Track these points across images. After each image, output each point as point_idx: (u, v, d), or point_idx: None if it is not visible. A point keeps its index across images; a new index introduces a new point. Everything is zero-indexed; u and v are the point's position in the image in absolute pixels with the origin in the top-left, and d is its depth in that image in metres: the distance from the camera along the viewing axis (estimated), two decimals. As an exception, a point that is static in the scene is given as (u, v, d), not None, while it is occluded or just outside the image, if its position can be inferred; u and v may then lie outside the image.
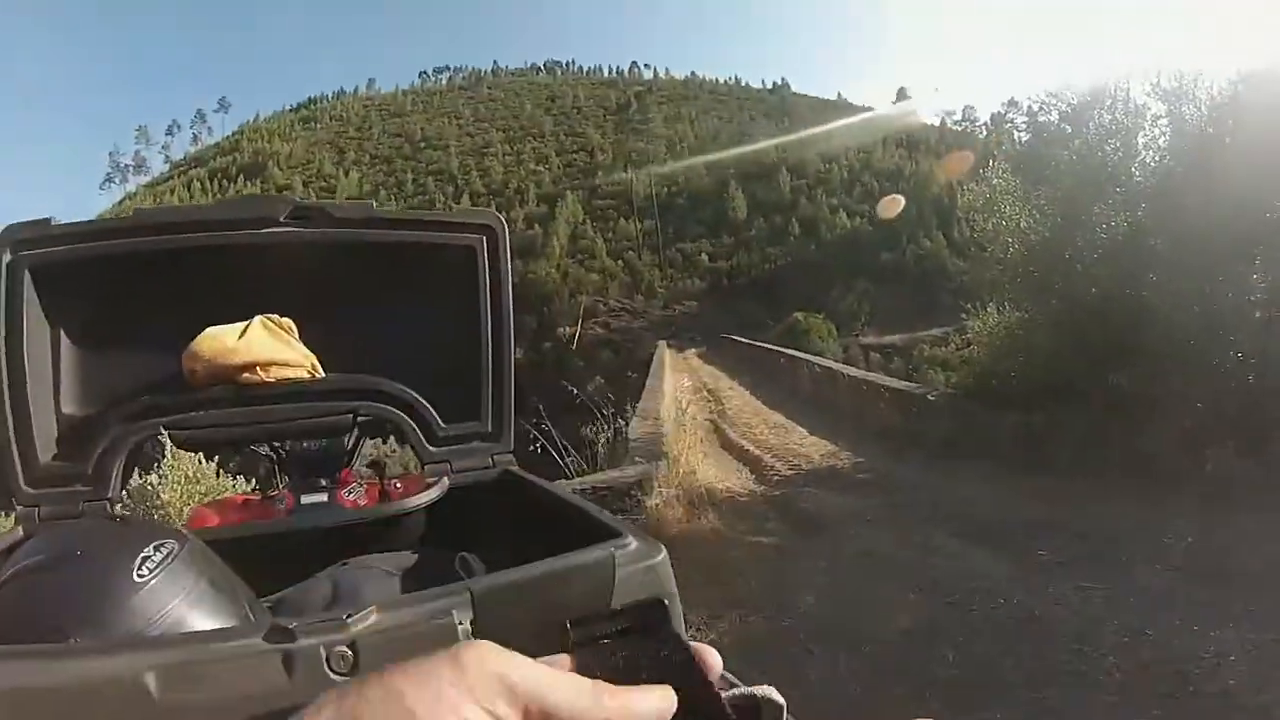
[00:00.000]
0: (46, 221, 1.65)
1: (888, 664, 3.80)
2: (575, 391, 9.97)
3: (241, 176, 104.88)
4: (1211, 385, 6.52)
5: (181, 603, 1.08)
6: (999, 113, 76.55)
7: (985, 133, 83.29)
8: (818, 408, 14.65)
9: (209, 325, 1.71)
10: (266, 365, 1.71)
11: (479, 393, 1.83)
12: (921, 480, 7.68)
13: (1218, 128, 7.19)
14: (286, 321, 1.78)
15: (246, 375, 1.69)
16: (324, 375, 1.82)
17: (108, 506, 1.60)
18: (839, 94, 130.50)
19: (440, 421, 1.80)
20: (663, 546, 1.11)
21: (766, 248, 69.28)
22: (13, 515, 1.62)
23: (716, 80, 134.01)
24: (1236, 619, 3.72)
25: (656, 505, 6.00)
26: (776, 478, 8.92)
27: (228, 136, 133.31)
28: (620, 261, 69.08)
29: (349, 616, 0.89)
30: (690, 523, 6.32)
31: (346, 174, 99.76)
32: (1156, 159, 8.01)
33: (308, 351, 1.80)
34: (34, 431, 1.61)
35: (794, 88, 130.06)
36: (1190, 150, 7.41)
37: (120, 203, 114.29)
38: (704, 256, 70.62)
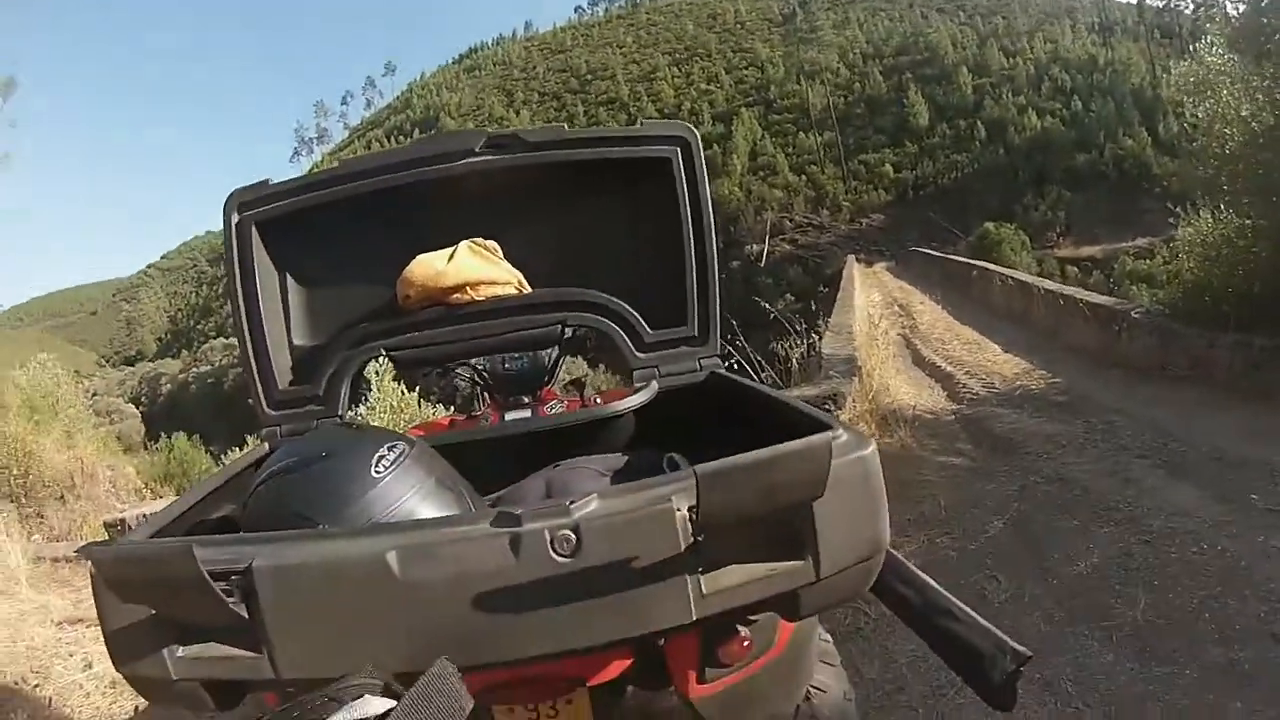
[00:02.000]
0: (265, 183, 1.83)
1: (1073, 599, 3.63)
2: (767, 307, 9.46)
3: (416, 131, 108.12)
4: None
5: (414, 495, 1.23)
6: None
7: (1192, 7, 74.40)
8: (1012, 323, 14.04)
9: (417, 255, 1.85)
10: (475, 285, 1.81)
11: (684, 298, 1.88)
12: (1122, 405, 7.08)
13: None
14: (491, 244, 1.89)
15: (456, 296, 1.81)
16: (530, 290, 1.91)
17: (337, 420, 1.78)
18: None
19: (648, 328, 1.86)
20: (872, 441, 1.16)
21: (951, 155, 65.06)
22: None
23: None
24: None
25: (850, 420, 5.80)
26: (969, 396, 8.69)
27: (398, 96, 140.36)
28: (803, 176, 67.17)
29: (572, 503, 0.98)
30: (882, 439, 6.16)
31: (518, 114, 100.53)
32: None
33: (513, 269, 1.90)
34: (272, 363, 1.80)
35: None
36: None
37: (311, 171, 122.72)
38: (888, 167, 67.21)
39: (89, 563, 0.97)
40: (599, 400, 2.13)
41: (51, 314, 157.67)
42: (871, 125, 73.95)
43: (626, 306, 1.85)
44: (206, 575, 0.89)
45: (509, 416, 2.10)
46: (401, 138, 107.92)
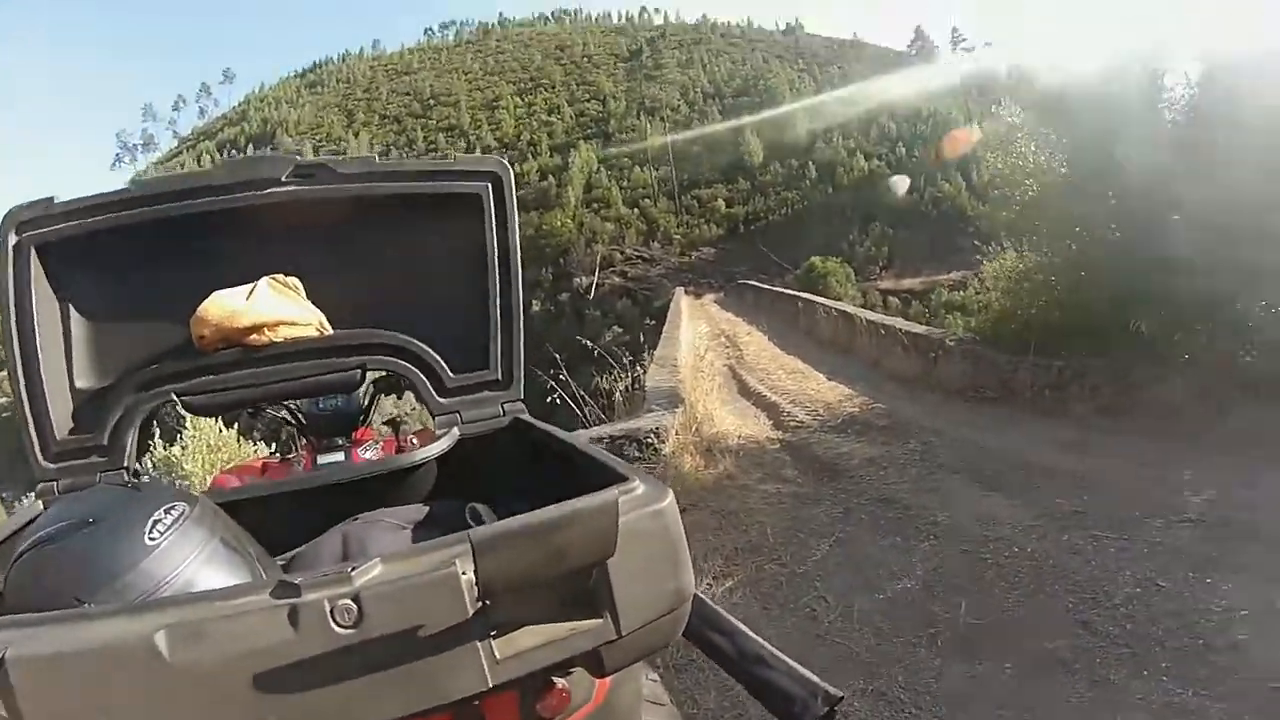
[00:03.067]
0: (49, 200, 1.65)
1: (900, 612, 3.88)
2: (589, 344, 10.05)
3: (250, 146, 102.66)
4: (1237, 336, 6.34)
5: (193, 563, 1.12)
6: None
7: (1006, 73, 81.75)
8: (836, 353, 14.58)
9: (214, 290, 1.71)
10: (274, 325, 1.71)
11: (487, 342, 1.83)
12: (939, 426, 7.58)
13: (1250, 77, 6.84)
14: (293, 280, 1.78)
15: (254, 336, 1.70)
16: (331, 332, 1.81)
17: (124, 475, 1.62)
18: (854, 34, 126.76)
19: (449, 372, 1.80)
20: (670, 491, 1.13)
21: (783, 192, 68.17)
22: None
23: (729, 23, 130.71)
24: (1251, 573, 3.72)
25: (673, 453, 5.97)
26: (794, 423, 8.85)
27: (234, 107, 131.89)
28: (636, 210, 68.38)
29: (353, 570, 0.92)
30: (707, 469, 6.32)
31: (356, 135, 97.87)
32: (1186, 96, 7.66)
33: (315, 309, 1.80)
34: (49, 408, 1.63)
35: (808, 28, 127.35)
36: (1220, 94, 7.08)
37: (131, 181, 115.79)
38: (720, 203, 69.53)
39: None
40: (414, 441, 2.12)
41: None
42: (708, 162, 76.41)
43: (427, 349, 1.80)
44: None
45: (322, 460, 2.02)
46: (235, 151, 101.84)
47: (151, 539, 1.10)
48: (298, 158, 1.75)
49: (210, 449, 7.18)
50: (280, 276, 1.78)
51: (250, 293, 1.72)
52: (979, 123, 40.08)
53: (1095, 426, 6.58)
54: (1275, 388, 5.77)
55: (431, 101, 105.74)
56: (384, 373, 1.86)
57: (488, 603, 0.95)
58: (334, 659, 0.89)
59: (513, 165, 1.87)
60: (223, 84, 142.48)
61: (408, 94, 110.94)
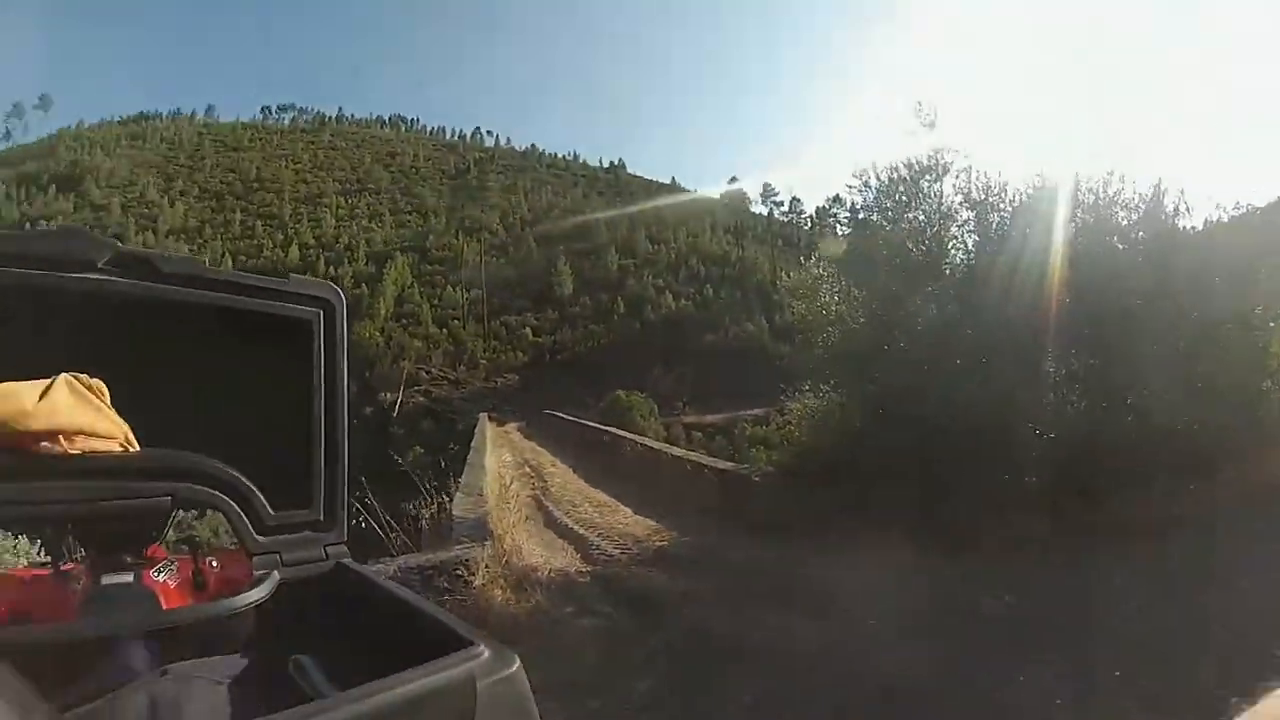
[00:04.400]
0: None
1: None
2: (400, 461, 10.19)
3: (54, 187, 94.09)
4: (1012, 458, 7.20)
5: None
6: (823, 206, 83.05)
7: (810, 225, 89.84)
8: (641, 486, 14.52)
9: (1, 379, 1.47)
10: (71, 434, 1.48)
11: (310, 479, 1.74)
12: (745, 556, 7.78)
13: (1018, 230, 8.28)
14: (97, 383, 1.55)
15: (45, 444, 1.46)
16: (138, 450, 1.58)
17: None
18: (673, 178, 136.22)
19: (269, 508, 1.67)
20: (516, 656, 1.11)
21: (591, 325, 70.37)
22: None
23: (555, 155, 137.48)
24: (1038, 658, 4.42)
25: (483, 585, 5.85)
26: (603, 557, 8.77)
27: (44, 139, 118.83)
28: (445, 330, 68.61)
29: None
30: (518, 604, 6.23)
31: (172, 204, 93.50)
32: (964, 255, 8.94)
33: (120, 421, 1.58)
34: None
35: (629, 169, 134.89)
36: (993, 249, 8.46)
37: None
38: (528, 330, 70.96)
39: None
40: (216, 564, 1.80)
41: None
42: (520, 288, 77.97)
43: (246, 482, 1.63)
44: None
45: (106, 580, 1.65)
46: (34, 189, 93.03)
47: None
48: (119, 244, 1.56)
49: (-40, 551, 6.42)
50: (82, 377, 1.54)
51: (45, 391, 1.47)
52: (785, 271, 42.70)
53: (891, 548, 6.76)
54: (1046, 499, 6.84)
55: (255, 184, 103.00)
56: (193, 501, 1.64)
57: None
58: None
59: (327, 269, 1.85)
60: (37, 108, 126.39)
61: (232, 171, 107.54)
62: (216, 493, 1.62)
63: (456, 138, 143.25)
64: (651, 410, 40.52)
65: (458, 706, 0.96)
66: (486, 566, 6.13)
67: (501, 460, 19.34)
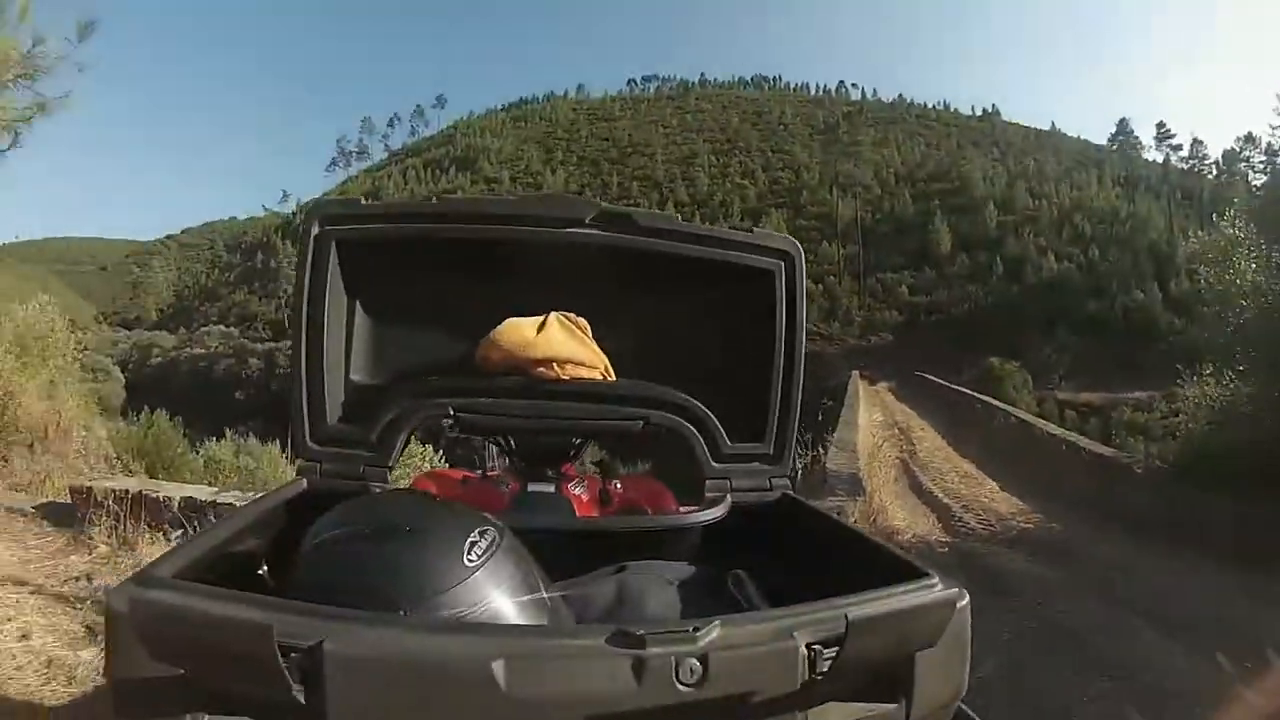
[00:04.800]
0: (356, 200, 1.75)
1: None
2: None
3: (454, 168, 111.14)
4: None
5: (501, 593, 1.10)
6: (1232, 150, 70.20)
7: (1215, 173, 76.85)
8: (1010, 461, 13.71)
9: (500, 315, 1.75)
10: (563, 362, 1.72)
11: (765, 415, 1.82)
12: (1119, 558, 7.08)
13: None
14: (582, 321, 1.79)
15: (541, 370, 1.71)
16: (616, 380, 1.81)
17: (387, 474, 1.66)
18: (1052, 124, 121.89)
19: (727, 439, 1.78)
20: (965, 591, 1.15)
21: (968, 284, 66.47)
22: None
23: (925, 104, 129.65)
24: None
25: None
26: (964, 529, 8.53)
27: (442, 130, 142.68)
28: (820, 285, 67.61)
29: (695, 629, 0.93)
30: None
31: (554, 172, 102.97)
32: None
33: (600, 353, 1.80)
34: (325, 393, 1.67)
35: (1004, 115, 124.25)
36: None
37: (343, 184, 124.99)
38: (904, 289, 68.81)
39: (113, 606, 0.91)
40: (618, 486, 2.03)
41: (61, 258, 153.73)
42: (895, 245, 75.02)
43: (710, 414, 1.78)
44: (282, 661, 0.83)
45: (532, 488, 1.95)
46: (438, 171, 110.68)
47: (470, 561, 1.10)
48: (603, 203, 1.76)
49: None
50: (570, 315, 1.79)
51: (541, 325, 1.74)
52: (1184, 231, 37.06)
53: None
54: None
55: (629, 150, 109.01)
56: (662, 426, 1.79)
57: (817, 676, 0.96)
58: (671, 715, 0.90)
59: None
60: (434, 108, 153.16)
61: (606, 139, 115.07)
62: (683, 421, 1.76)
63: (822, 93, 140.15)
64: (1025, 382, 38.31)
65: (935, 623, 1.02)
66: (854, 521, 6.05)
67: (872, 419, 19.16)
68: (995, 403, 20.69)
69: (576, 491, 1.95)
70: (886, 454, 12.99)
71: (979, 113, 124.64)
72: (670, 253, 1.76)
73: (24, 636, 3.45)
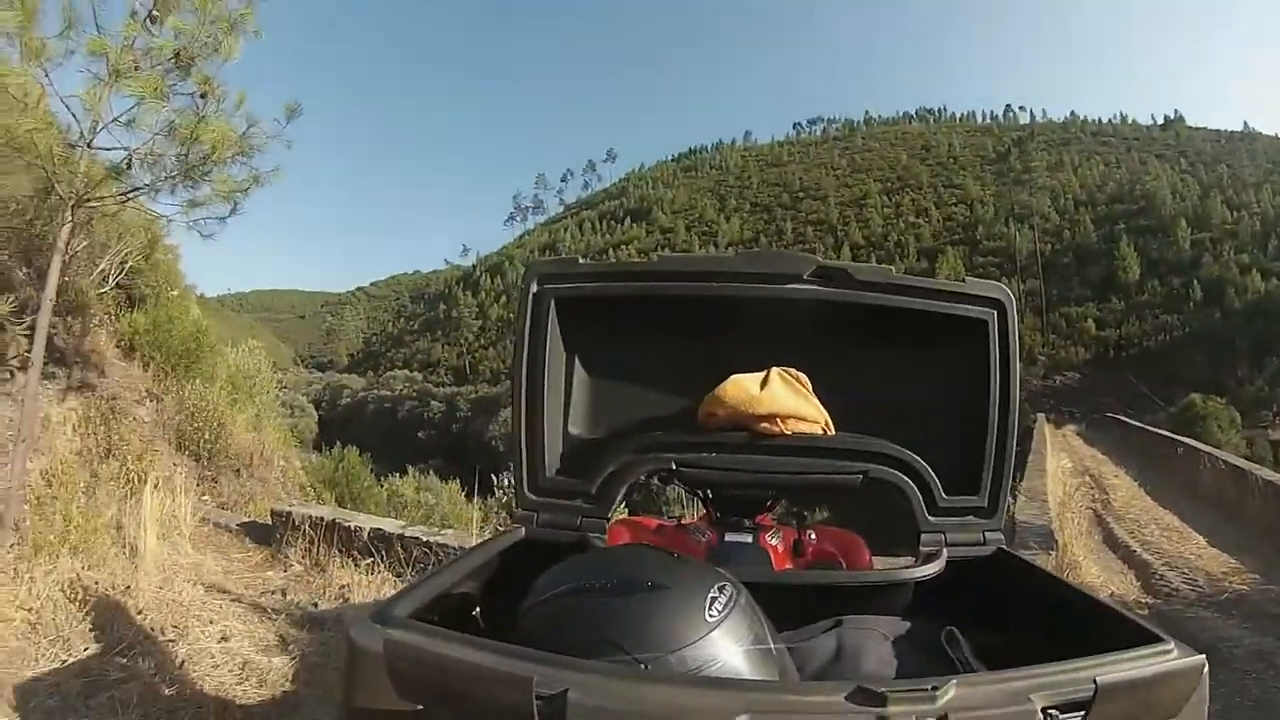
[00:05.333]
0: (573, 260, 1.84)
1: None
2: None
3: (629, 219, 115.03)
4: None
5: (738, 649, 1.13)
6: None
7: None
8: (1220, 513, 12.47)
9: (715, 370, 1.83)
10: (786, 418, 1.78)
11: (980, 467, 1.81)
12: None
13: None
14: (802, 376, 1.84)
15: (766, 425, 1.77)
16: (836, 433, 1.86)
17: (604, 525, 1.76)
18: (1245, 123, 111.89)
19: (943, 492, 1.79)
20: (1203, 657, 1.10)
21: (1161, 314, 62.00)
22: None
23: (1100, 120, 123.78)
24: None
25: None
26: (1166, 590, 7.81)
27: (615, 183, 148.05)
28: None
29: (933, 688, 0.96)
30: None
31: (728, 220, 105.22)
32: None
33: (821, 407, 1.85)
34: (544, 445, 1.79)
35: (1189, 121, 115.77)
36: None
37: (520, 238, 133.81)
38: (1090, 323, 65.02)
39: (362, 643, 1.00)
40: (812, 536, 2.06)
41: (265, 308, 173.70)
42: (1077, 276, 71.66)
43: (927, 466, 1.79)
44: (538, 710, 0.89)
45: (730, 538, 1.96)
46: (613, 222, 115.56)
47: (710, 617, 1.11)
48: (819, 258, 1.78)
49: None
50: (790, 370, 1.83)
51: (764, 382, 1.78)
52: None
53: None
54: None
55: (800, 194, 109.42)
56: (880, 480, 1.80)
57: None
58: None
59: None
60: (605, 162, 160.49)
61: (777, 185, 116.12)
62: (901, 475, 1.78)
63: (989, 119, 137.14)
64: (1232, 420, 34.81)
65: (1180, 691, 1.00)
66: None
67: (1060, 465, 18.04)
68: (1199, 445, 18.43)
69: (773, 542, 1.99)
70: (1078, 504, 12.50)
71: (1160, 121, 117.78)
72: (885, 305, 1.79)
73: (224, 639, 3.70)
